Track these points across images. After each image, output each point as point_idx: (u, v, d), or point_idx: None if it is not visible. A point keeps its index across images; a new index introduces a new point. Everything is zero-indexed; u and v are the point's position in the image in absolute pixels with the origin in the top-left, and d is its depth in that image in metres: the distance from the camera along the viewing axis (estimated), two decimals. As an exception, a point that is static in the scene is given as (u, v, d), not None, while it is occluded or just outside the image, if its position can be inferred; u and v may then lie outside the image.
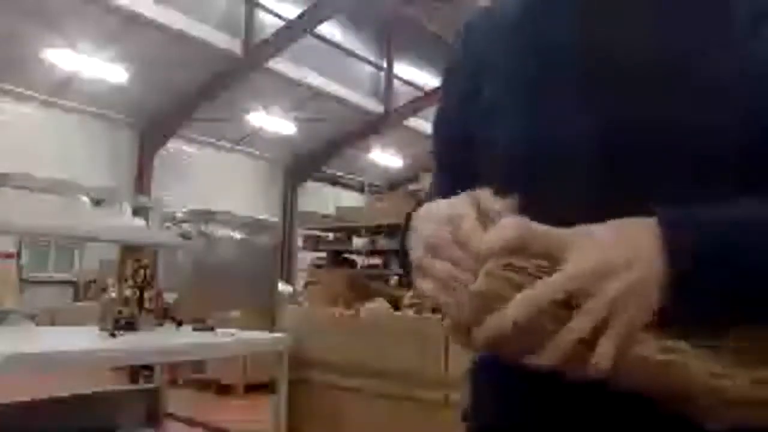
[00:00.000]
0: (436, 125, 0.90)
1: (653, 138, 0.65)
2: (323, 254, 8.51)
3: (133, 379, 5.54)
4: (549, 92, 0.71)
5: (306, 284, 6.84)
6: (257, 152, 15.03)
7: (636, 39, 0.68)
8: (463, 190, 0.72)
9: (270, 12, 12.57)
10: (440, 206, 0.62)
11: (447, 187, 0.86)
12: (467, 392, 0.80)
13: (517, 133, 0.72)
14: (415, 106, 15.23)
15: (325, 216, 8.58)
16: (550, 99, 0.71)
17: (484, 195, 0.59)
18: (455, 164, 0.83)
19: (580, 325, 0.49)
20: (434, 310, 3.84)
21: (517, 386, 0.69)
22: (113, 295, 3.03)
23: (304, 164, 15.92)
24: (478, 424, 0.79)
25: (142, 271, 3.08)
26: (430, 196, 0.90)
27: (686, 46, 0.67)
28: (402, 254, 0.70)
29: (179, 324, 3.20)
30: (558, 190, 0.68)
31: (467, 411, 0.80)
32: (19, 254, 7.68)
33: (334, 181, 17.04)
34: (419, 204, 0.94)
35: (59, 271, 11.10)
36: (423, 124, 15.07)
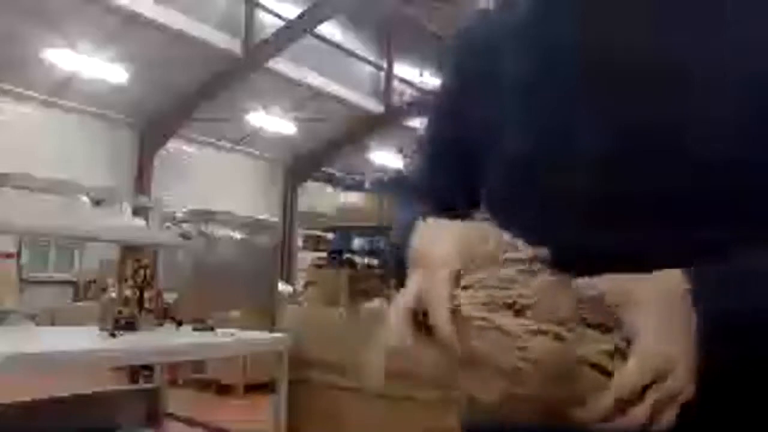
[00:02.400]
0: (431, 123, 0.90)
1: (654, 137, 0.65)
2: (323, 254, 8.51)
3: (133, 379, 5.53)
4: (550, 94, 0.71)
5: (306, 284, 6.83)
6: (257, 152, 15.02)
7: (637, 39, 0.68)
8: (450, 183, 0.73)
9: (270, 12, 12.57)
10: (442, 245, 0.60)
11: (437, 179, 0.85)
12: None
13: (518, 135, 0.72)
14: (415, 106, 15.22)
15: (325, 216, 8.58)
16: (551, 100, 0.71)
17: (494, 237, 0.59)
18: (447, 154, 0.83)
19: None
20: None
21: None
22: (113, 295, 3.03)
23: (304, 164, 15.92)
24: None
25: (142, 271, 3.08)
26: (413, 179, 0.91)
27: (686, 45, 0.67)
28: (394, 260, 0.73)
29: (179, 324, 3.20)
30: (559, 190, 0.68)
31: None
32: (19, 254, 7.67)
33: (334, 181, 17.05)
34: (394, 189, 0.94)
35: (59, 271, 11.09)
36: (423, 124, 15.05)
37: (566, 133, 0.69)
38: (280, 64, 12.62)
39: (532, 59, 0.74)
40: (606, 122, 0.67)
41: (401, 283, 0.66)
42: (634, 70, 0.67)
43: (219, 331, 3.15)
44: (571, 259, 0.58)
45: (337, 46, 14.21)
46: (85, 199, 4.19)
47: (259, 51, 12.03)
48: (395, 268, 0.72)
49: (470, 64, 0.81)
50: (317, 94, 13.78)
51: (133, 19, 10.44)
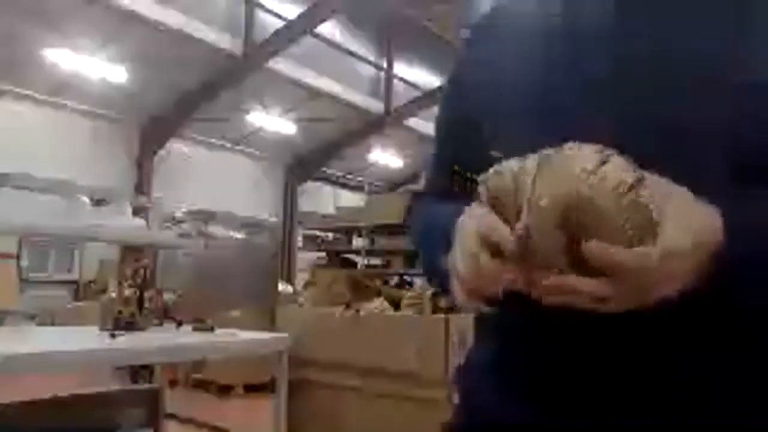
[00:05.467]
0: (442, 123, 0.89)
1: (675, 136, 0.65)
2: (323, 254, 8.52)
3: (134, 379, 5.54)
4: (573, 87, 0.71)
5: (306, 284, 6.84)
6: (257, 152, 15.02)
7: (667, 38, 0.68)
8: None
9: (270, 12, 12.57)
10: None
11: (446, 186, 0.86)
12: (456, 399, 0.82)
13: (535, 133, 0.71)
14: (415, 106, 15.22)
15: (325, 216, 8.59)
16: (574, 93, 0.70)
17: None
18: (457, 161, 0.83)
19: None
20: (434, 310, 3.84)
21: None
22: (113, 295, 3.03)
23: (304, 164, 15.92)
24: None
25: (142, 271, 3.08)
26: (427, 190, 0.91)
27: (715, 47, 0.66)
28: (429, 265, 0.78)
29: (179, 324, 3.20)
30: None
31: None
32: (19, 254, 7.68)
33: (334, 181, 17.04)
34: (415, 198, 0.95)
35: (59, 271, 11.09)
36: (423, 124, 15.05)
37: (588, 127, 0.68)
38: (280, 64, 12.61)
39: (559, 51, 0.73)
40: (627, 121, 0.66)
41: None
42: (662, 68, 0.67)
43: (219, 331, 3.15)
44: None
45: (337, 46, 14.20)
46: (85, 199, 4.18)
47: (259, 51, 12.03)
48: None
49: (481, 62, 0.81)
50: (317, 94, 13.78)
51: (133, 18, 10.44)
